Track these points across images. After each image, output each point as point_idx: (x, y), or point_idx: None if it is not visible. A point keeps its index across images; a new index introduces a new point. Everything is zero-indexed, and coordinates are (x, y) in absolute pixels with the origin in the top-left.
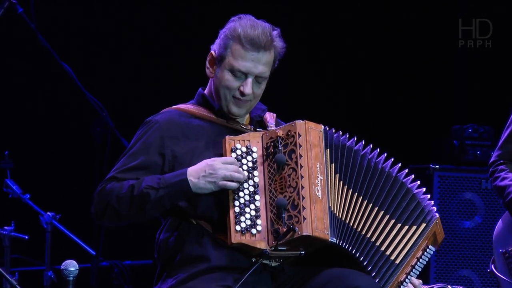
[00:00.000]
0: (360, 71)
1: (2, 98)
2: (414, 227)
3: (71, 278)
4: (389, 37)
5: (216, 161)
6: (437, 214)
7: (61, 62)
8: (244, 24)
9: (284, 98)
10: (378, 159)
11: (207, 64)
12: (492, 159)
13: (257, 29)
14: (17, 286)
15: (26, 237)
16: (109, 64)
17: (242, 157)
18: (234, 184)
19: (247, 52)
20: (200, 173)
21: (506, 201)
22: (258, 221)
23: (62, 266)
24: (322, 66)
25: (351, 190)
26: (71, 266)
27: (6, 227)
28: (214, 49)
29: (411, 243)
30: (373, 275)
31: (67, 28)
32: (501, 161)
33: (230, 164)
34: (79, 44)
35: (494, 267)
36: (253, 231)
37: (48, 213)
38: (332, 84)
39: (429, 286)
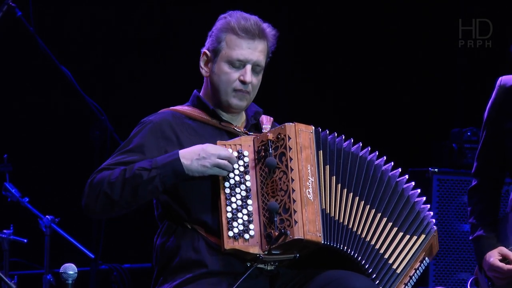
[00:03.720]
0: (359, 73)
1: (0, 101)
2: (415, 237)
3: (70, 282)
4: (388, 37)
5: (209, 146)
6: (435, 226)
7: (60, 66)
8: (236, 17)
9: (282, 101)
10: (378, 162)
11: (201, 65)
12: (472, 171)
13: (250, 20)
14: None
15: (25, 241)
16: (108, 67)
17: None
18: (225, 172)
19: (243, 40)
20: (194, 156)
21: (470, 239)
22: (251, 226)
23: (61, 270)
24: (320, 68)
25: (351, 193)
26: (70, 269)
27: (5, 231)
28: (207, 47)
29: (412, 253)
30: (376, 283)
31: (66, 32)
32: (477, 180)
33: (223, 151)
34: (78, 47)
35: (475, 283)
36: (246, 236)
37: (47, 216)
38: (331, 86)
39: None
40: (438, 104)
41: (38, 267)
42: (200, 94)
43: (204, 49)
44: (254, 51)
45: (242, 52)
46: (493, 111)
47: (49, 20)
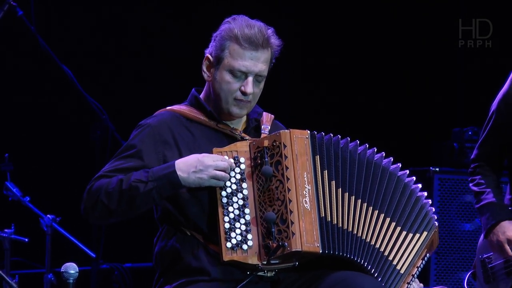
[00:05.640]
0: (359, 73)
1: (2, 100)
2: (418, 235)
3: (71, 281)
4: (388, 37)
5: (206, 157)
6: (436, 222)
7: (61, 65)
8: (240, 24)
9: (282, 101)
10: (377, 158)
11: (204, 69)
12: (472, 157)
13: (254, 28)
14: None
15: (26, 240)
16: (109, 67)
17: (230, 169)
18: (221, 183)
19: (246, 51)
20: (190, 168)
21: (476, 207)
22: (249, 236)
23: (62, 269)
24: (321, 68)
25: (353, 196)
26: (71, 268)
27: (6, 230)
28: (210, 52)
29: (414, 252)
30: (382, 285)
31: (67, 31)
32: (478, 163)
33: (221, 161)
34: (79, 46)
35: (472, 277)
36: (244, 247)
37: (48, 215)
38: (331, 86)
39: None
40: (439, 104)
41: (39, 267)
42: (201, 96)
43: (207, 53)
44: (257, 62)
45: (245, 63)
46: (503, 102)
47: (50, 20)
